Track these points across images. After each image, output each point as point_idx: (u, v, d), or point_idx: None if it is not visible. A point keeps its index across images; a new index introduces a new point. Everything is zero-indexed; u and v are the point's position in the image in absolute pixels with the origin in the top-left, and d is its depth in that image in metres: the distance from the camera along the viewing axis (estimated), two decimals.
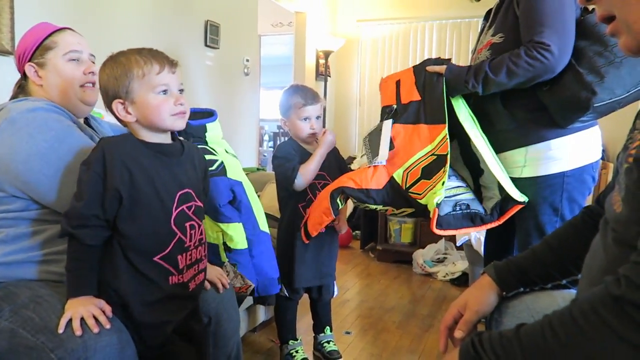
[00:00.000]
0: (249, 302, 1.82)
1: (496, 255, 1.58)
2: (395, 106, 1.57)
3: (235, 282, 1.46)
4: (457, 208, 1.44)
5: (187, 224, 1.09)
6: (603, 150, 2.82)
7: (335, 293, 1.94)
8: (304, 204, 1.72)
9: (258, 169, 2.88)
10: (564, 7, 1.29)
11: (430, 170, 1.45)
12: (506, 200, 1.43)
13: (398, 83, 1.59)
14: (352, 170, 1.86)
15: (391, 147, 1.53)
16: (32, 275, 1.09)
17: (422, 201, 1.44)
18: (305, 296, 1.88)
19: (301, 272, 1.74)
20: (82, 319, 0.92)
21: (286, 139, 1.87)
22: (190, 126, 1.51)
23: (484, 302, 0.92)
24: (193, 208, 1.11)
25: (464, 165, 1.60)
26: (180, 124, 1.08)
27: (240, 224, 1.53)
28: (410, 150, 1.49)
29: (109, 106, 1.06)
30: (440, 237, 3.21)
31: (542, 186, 1.41)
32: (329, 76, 4.74)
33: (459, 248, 2.95)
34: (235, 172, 1.57)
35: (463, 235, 2.56)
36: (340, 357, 1.89)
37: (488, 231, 1.66)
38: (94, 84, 1.23)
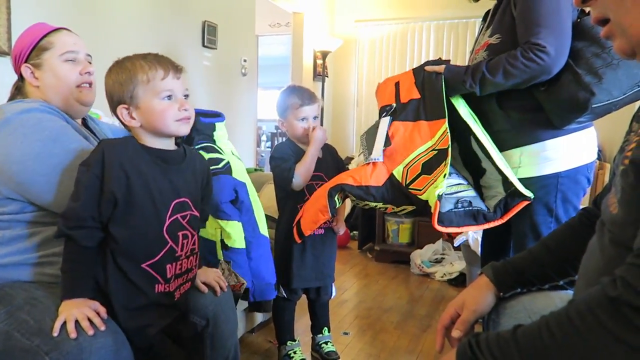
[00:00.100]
0: (247, 303, 1.81)
1: (493, 256, 1.59)
2: (394, 105, 1.57)
3: (229, 280, 1.46)
4: (459, 205, 1.42)
5: (180, 233, 1.08)
6: (600, 151, 2.83)
7: (333, 294, 1.94)
8: (302, 204, 1.71)
9: (256, 170, 2.86)
10: (560, 8, 1.29)
11: (430, 165, 1.44)
12: (512, 196, 1.41)
13: (397, 84, 1.59)
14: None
15: (388, 143, 1.52)
16: (28, 277, 1.09)
17: (423, 197, 1.43)
18: (303, 297, 1.87)
19: (300, 273, 1.74)
20: (77, 321, 0.92)
21: (284, 139, 1.87)
22: (201, 123, 1.51)
23: (481, 302, 0.92)
24: (188, 217, 1.11)
25: (463, 167, 1.59)
26: (184, 129, 1.08)
27: (240, 223, 1.53)
28: (411, 147, 1.49)
29: (114, 111, 1.06)
30: (438, 237, 3.22)
31: (536, 187, 1.41)
32: (327, 76, 4.74)
33: (457, 248, 2.95)
34: (240, 173, 1.57)
35: (462, 235, 2.56)
36: (338, 357, 1.88)
37: (485, 231, 1.65)
38: (90, 84, 1.23)
